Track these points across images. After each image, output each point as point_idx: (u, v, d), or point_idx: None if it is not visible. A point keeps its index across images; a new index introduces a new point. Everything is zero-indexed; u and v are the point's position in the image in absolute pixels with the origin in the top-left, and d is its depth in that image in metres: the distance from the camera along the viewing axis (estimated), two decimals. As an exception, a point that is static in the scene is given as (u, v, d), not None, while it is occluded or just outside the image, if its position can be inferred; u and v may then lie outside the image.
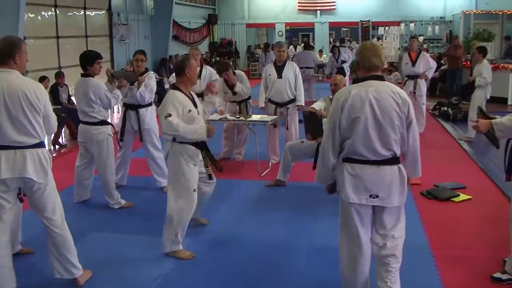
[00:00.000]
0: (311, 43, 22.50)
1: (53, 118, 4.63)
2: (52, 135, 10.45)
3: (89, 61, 6.60)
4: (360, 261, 4.08)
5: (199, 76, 8.82)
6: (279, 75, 8.71)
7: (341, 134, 3.92)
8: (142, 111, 7.48)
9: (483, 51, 10.60)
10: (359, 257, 4.07)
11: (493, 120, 4.57)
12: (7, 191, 4.42)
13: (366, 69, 3.96)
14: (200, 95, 8.87)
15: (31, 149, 4.40)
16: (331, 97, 7.13)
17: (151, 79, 7.53)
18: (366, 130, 3.82)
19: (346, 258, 4.14)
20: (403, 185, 3.99)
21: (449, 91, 16.01)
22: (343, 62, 16.37)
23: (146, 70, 7.65)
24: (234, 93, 8.91)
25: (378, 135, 3.84)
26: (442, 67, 17.30)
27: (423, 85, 11.31)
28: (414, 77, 11.29)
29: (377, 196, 3.91)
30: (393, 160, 3.95)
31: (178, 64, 5.52)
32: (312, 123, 6.97)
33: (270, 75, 8.81)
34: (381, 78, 3.99)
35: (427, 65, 11.33)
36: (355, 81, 4.02)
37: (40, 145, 4.49)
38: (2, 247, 4.45)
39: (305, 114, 7.14)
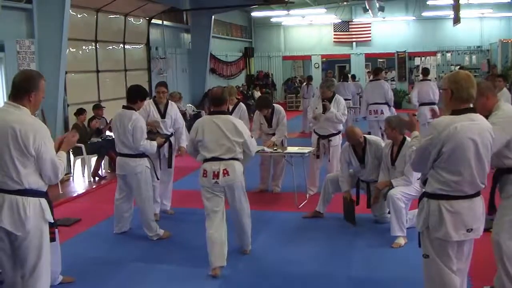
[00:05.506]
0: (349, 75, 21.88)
1: (52, 164, 3.99)
2: (92, 168, 10.60)
3: (142, 95, 6.81)
4: None
5: (231, 112, 8.89)
6: (324, 111, 8.69)
7: (436, 164, 3.83)
8: (172, 139, 7.81)
9: None
10: None
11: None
12: None
13: (463, 100, 3.81)
14: None
15: (10, 195, 3.89)
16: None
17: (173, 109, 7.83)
18: (471, 168, 3.76)
19: None
20: (484, 215, 3.98)
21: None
22: None
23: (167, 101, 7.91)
24: (270, 126, 8.96)
25: (479, 170, 3.80)
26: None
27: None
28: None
29: (472, 230, 3.85)
30: (480, 191, 3.92)
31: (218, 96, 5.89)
32: (350, 206, 7.27)
33: (316, 108, 8.85)
34: (475, 111, 3.87)
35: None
36: (454, 112, 3.83)
37: (23, 192, 3.91)
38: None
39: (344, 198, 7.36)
